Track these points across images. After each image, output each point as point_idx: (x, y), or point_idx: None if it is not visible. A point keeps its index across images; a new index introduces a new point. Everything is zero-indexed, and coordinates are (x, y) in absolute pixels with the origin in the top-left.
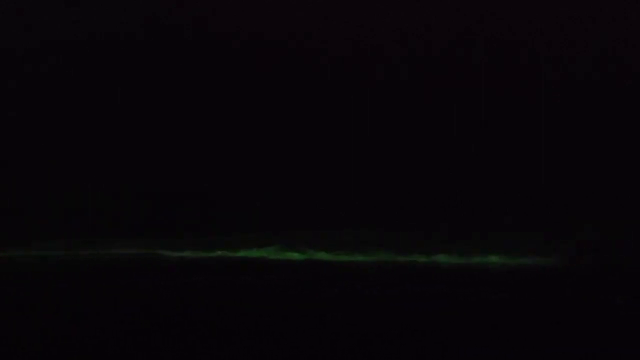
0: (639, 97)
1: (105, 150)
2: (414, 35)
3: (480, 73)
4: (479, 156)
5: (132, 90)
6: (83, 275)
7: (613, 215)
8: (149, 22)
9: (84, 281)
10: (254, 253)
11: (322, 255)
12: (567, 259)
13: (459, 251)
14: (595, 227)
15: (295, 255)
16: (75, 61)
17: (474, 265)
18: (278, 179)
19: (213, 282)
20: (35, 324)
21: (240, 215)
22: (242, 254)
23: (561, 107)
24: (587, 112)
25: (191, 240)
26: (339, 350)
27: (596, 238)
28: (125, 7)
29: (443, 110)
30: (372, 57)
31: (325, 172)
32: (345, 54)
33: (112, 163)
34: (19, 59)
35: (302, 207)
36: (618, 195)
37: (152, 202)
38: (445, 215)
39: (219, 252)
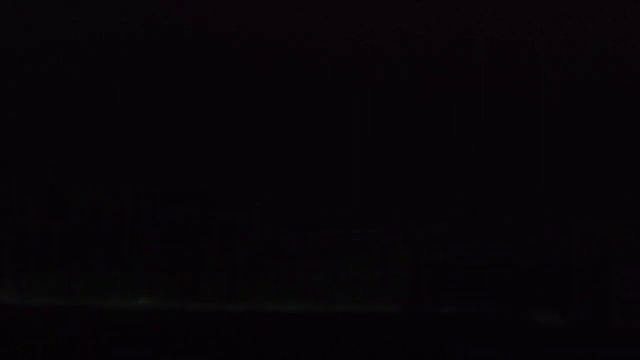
0: (639, 97)
1: (104, 150)
2: (414, 35)
3: (480, 73)
4: (479, 156)
5: (132, 90)
6: None
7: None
8: (149, 22)
9: None
10: None
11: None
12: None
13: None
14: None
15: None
16: (75, 61)
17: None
18: (278, 181)
19: None
20: None
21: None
22: None
23: (561, 107)
24: (587, 112)
25: None
26: None
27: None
28: (125, 7)
29: (443, 110)
30: (372, 57)
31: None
32: (345, 54)
33: (112, 163)
34: (19, 59)
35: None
36: (619, 198)
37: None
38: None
39: None
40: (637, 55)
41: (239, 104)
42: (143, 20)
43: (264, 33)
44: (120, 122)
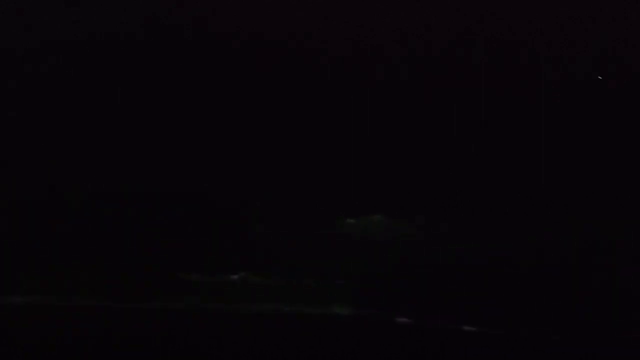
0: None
1: (104, 150)
2: (414, 35)
3: (480, 73)
4: (479, 156)
5: (132, 90)
6: None
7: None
8: (149, 22)
9: None
10: None
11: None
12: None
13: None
14: None
15: None
16: (75, 61)
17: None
18: (279, 179)
19: None
20: None
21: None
22: None
23: (561, 107)
24: (587, 112)
25: None
26: None
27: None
28: (125, 7)
29: (443, 110)
30: (372, 57)
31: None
32: (345, 54)
33: (112, 163)
34: (19, 59)
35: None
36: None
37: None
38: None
39: None
40: (637, 55)
41: (239, 104)
42: (143, 20)
43: (264, 33)
44: (120, 121)
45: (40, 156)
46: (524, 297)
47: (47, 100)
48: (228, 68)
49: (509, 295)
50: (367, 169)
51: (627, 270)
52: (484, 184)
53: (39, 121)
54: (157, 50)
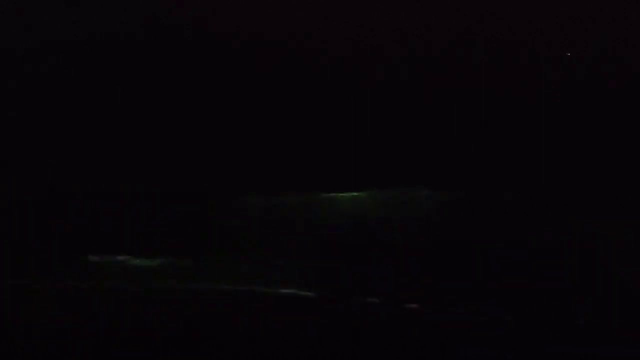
0: (639, 97)
1: (104, 150)
2: (414, 35)
3: (480, 73)
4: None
5: (132, 90)
6: None
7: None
8: (149, 22)
9: None
10: None
11: None
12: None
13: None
14: None
15: None
16: (75, 61)
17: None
18: (277, 179)
19: None
20: None
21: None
22: None
23: (561, 107)
24: (587, 112)
25: None
26: None
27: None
28: (125, 7)
29: (443, 110)
30: (372, 57)
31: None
32: (345, 54)
33: (112, 163)
34: (19, 59)
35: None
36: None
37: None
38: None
39: None
40: (637, 55)
41: (239, 104)
42: (143, 20)
43: (264, 33)
44: (120, 122)
45: (40, 156)
46: (522, 296)
47: (47, 100)
48: (228, 68)
49: (506, 294)
50: (365, 169)
51: (627, 270)
52: (483, 183)
53: (39, 121)
54: (157, 50)
